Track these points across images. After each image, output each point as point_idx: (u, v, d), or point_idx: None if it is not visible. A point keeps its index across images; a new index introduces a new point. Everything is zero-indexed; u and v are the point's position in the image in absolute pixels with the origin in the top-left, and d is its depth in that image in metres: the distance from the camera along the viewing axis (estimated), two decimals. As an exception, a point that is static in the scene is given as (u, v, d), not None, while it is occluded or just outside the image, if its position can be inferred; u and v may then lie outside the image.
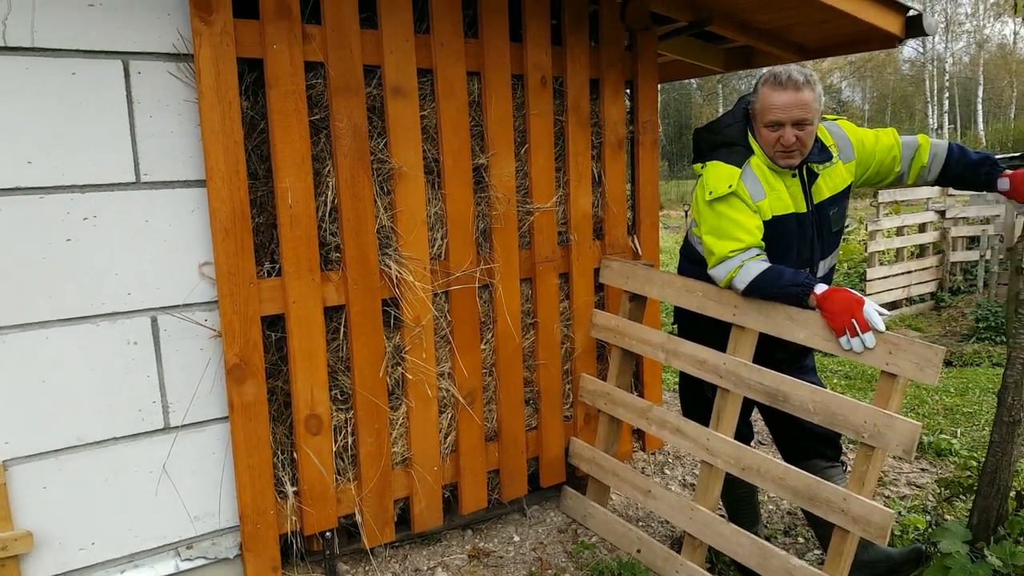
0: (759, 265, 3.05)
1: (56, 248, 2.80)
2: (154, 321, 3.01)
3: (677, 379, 4.03)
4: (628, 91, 4.31)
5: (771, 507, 4.24)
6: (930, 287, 12.38)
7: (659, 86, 4.74)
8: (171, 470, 3.11)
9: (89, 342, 2.90)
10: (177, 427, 3.10)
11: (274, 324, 3.30)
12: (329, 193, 3.31)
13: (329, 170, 3.30)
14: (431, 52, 3.46)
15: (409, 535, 3.74)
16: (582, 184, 4.03)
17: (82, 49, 2.77)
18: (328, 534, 3.46)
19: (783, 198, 3.12)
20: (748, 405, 3.44)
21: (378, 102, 3.40)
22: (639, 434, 4.80)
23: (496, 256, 3.74)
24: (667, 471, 4.67)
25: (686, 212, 22.94)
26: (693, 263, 3.45)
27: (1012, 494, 3.39)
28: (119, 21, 2.82)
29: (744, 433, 3.53)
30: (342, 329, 3.42)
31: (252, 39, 3.04)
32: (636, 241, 4.36)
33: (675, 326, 3.71)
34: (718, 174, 3.14)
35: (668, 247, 16.20)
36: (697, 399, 3.58)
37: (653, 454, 4.85)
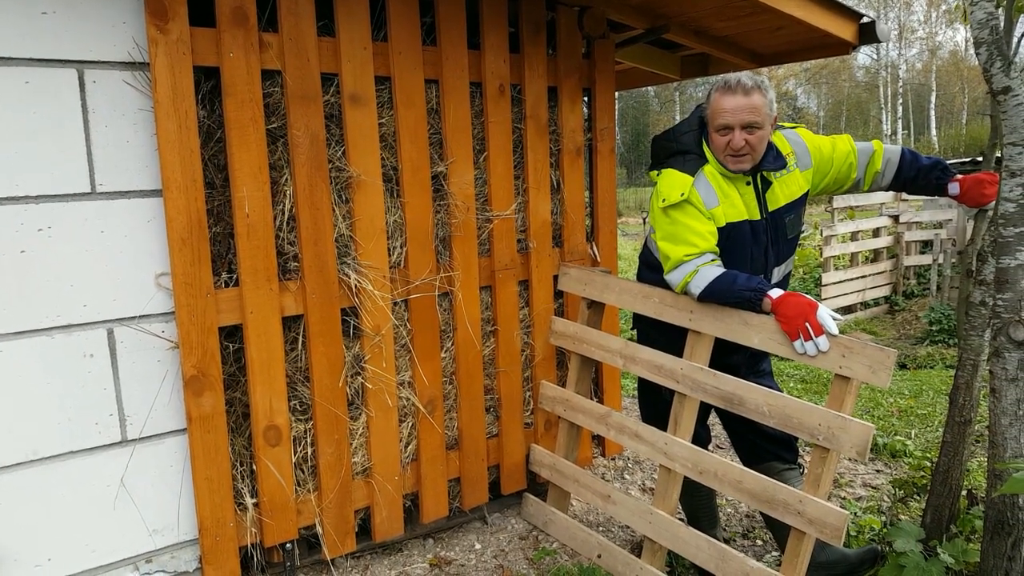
0: (714, 270, 3.07)
1: (9, 259, 2.77)
2: (110, 333, 2.98)
3: (636, 384, 4.05)
4: (586, 99, 4.33)
5: (729, 510, 4.28)
6: (884, 291, 12.53)
7: (616, 93, 4.78)
8: (129, 483, 3.08)
9: (45, 355, 2.87)
10: (135, 440, 3.07)
11: (232, 335, 3.27)
12: (287, 202, 3.29)
13: (287, 179, 3.29)
14: (389, 60, 3.46)
15: (370, 545, 3.72)
16: (541, 191, 4.04)
17: (35, 58, 2.74)
18: (288, 545, 3.44)
19: (736, 205, 3.15)
20: (706, 409, 3.47)
21: (336, 110, 3.40)
22: (599, 440, 4.83)
23: (456, 264, 3.74)
24: (627, 476, 4.70)
25: (644, 219, 23.13)
26: (652, 269, 3.47)
27: (963, 493, 3.46)
28: (73, 29, 2.79)
29: (702, 437, 3.56)
30: (301, 339, 3.40)
31: (208, 47, 3.02)
32: (595, 248, 4.39)
33: (634, 331, 3.73)
34: (671, 182, 3.16)
35: (626, 254, 16.32)
36: (655, 404, 3.60)
37: (613, 459, 4.88)
